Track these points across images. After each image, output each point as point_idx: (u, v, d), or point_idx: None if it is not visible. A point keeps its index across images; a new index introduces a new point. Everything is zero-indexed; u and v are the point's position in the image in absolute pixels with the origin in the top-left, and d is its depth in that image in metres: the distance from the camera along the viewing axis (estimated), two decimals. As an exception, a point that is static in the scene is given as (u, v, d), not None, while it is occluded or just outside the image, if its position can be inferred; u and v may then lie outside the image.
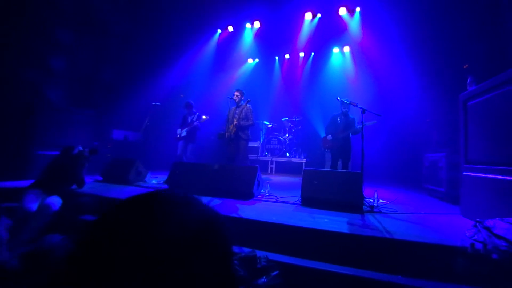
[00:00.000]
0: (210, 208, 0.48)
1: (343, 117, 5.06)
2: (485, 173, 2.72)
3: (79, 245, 0.38)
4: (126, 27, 7.48)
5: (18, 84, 5.05)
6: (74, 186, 3.44)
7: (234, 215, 2.78)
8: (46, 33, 5.54)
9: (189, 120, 5.91)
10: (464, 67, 5.00)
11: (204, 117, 5.79)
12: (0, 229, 1.74)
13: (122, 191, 3.90)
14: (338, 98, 4.83)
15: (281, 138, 8.10)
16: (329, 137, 5.12)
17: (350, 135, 5.04)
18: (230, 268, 0.46)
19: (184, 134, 5.76)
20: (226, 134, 5.09)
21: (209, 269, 0.41)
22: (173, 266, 0.36)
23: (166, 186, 4.29)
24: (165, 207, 0.43)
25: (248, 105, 5.13)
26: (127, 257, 0.35)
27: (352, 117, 5.07)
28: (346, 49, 8.45)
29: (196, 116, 5.92)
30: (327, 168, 6.48)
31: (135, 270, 0.35)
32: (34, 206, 2.67)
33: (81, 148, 3.46)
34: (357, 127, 4.80)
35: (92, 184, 4.29)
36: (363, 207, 3.27)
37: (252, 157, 7.82)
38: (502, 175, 2.46)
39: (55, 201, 2.81)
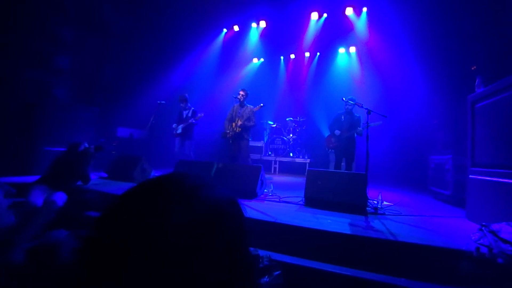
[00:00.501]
0: (227, 190, 0.46)
1: (347, 116, 5.02)
2: (492, 177, 2.68)
3: (84, 244, 0.37)
4: (131, 25, 7.54)
5: (24, 82, 5.13)
6: (79, 183, 3.48)
7: (237, 214, 2.78)
8: (51, 32, 5.61)
9: (184, 116, 5.78)
10: (472, 68, 4.93)
11: (199, 115, 5.66)
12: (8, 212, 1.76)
13: (126, 188, 3.92)
14: (344, 99, 4.80)
15: (285, 138, 8.08)
16: (337, 132, 5.03)
17: (355, 135, 5.00)
18: (246, 254, 0.44)
19: (179, 131, 5.63)
20: (229, 133, 5.10)
21: (226, 254, 0.40)
22: (188, 255, 0.36)
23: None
24: (173, 194, 0.41)
25: (251, 106, 5.15)
26: (130, 255, 0.34)
27: (357, 115, 5.01)
28: (352, 49, 8.40)
29: (191, 111, 5.76)
30: (331, 168, 6.45)
31: (140, 269, 0.33)
32: (40, 202, 2.70)
33: (87, 145, 3.48)
34: (360, 128, 4.76)
35: (97, 181, 4.33)
36: (367, 208, 3.24)
37: (255, 156, 7.82)
38: (510, 179, 2.42)
39: (60, 197, 2.84)
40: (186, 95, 5.93)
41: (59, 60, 5.87)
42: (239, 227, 0.44)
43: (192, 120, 5.58)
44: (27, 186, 2.90)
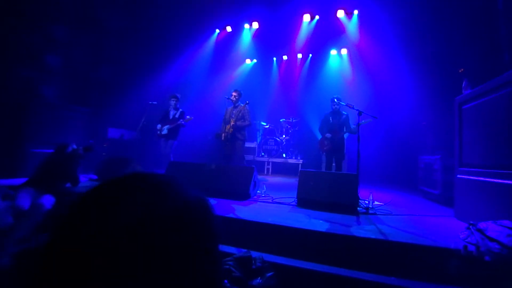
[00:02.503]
0: (198, 192, 0.45)
1: (335, 116, 5.05)
2: (479, 176, 2.75)
3: (53, 237, 0.36)
4: (124, 24, 7.43)
5: (13, 81, 4.99)
6: (68, 185, 3.41)
7: (229, 215, 2.77)
8: (42, 30, 5.48)
9: (171, 116, 5.55)
10: (460, 71, 5.05)
11: (188, 117, 5.45)
12: (6, 214, 1.73)
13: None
14: (335, 100, 4.84)
15: (278, 139, 8.11)
16: (328, 135, 5.06)
17: (348, 134, 5.04)
18: (216, 259, 0.43)
19: (165, 132, 5.39)
20: (223, 134, 5.09)
21: (194, 258, 0.38)
22: (153, 257, 0.34)
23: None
24: (137, 192, 0.40)
25: (243, 105, 5.14)
26: (91, 256, 0.33)
27: (345, 113, 5.04)
28: (344, 51, 8.49)
29: (179, 112, 5.55)
30: (324, 169, 6.50)
31: (101, 270, 0.32)
32: (27, 205, 2.64)
33: (75, 146, 3.43)
34: (353, 127, 4.80)
35: (86, 183, 4.25)
36: (358, 208, 3.28)
37: (248, 157, 7.81)
38: (496, 178, 2.49)
39: (48, 199, 2.78)
40: (178, 95, 5.76)
41: (49, 58, 5.73)
42: (206, 227, 0.43)
43: (181, 121, 5.39)
44: (14, 189, 2.84)
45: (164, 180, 0.43)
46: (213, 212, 0.45)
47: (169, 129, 5.40)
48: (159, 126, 5.49)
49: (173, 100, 5.59)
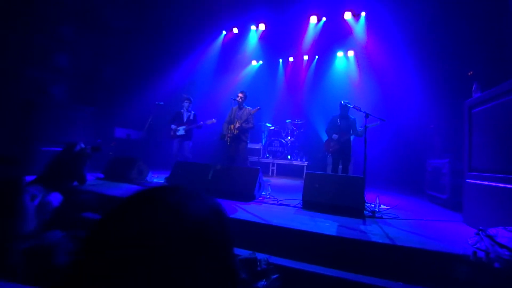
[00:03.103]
0: (213, 200, 0.50)
1: (343, 119, 5.03)
2: (489, 181, 2.70)
3: (83, 247, 0.39)
4: (131, 24, 7.52)
5: (21, 80, 5.09)
6: (75, 183, 3.45)
7: (234, 216, 2.77)
8: (50, 30, 5.59)
9: (185, 118, 5.75)
10: (469, 74, 4.98)
11: (210, 120, 5.70)
12: (26, 199, 1.73)
13: (123, 189, 3.90)
14: (342, 102, 4.82)
15: (283, 141, 8.09)
16: (335, 136, 5.05)
17: (354, 137, 5.02)
18: (231, 259, 0.47)
19: (182, 132, 5.62)
20: (227, 135, 5.11)
21: (213, 260, 0.41)
22: (178, 261, 0.37)
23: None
24: (170, 201, 0.44)
25: (249, 107, 5.15)
26: (130, 255, 0.36)
27: (352, 117, 5.03)
28: (350, 53, 8.45)
29: (192, 114, 5.78)
30: (329, 171, 6.46)
31: (139, 266, 0.35)
32: (35, 202, 2.67)
33: (83, 145, 3.47)
34: (360, 129, 4.77)
35: (93, 182, 4.30)
36: (365, 212, 3.25)
37: (253, 158, 7.81)
38: (506, 183, 2.44)
39: (56, 197, 2.81)
40: (191, 97, 5.98)
41: (57, 58, 5.84)
42: (224, 234, 0.47)
43: (202, 123, 5.67)
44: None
45: (186, 193, 0.47)
46: (227, 219, 0.50)
47: (185, 130, 5.65)
48: (173, 126, 5.67)
49: (187, 102, 5.82)
